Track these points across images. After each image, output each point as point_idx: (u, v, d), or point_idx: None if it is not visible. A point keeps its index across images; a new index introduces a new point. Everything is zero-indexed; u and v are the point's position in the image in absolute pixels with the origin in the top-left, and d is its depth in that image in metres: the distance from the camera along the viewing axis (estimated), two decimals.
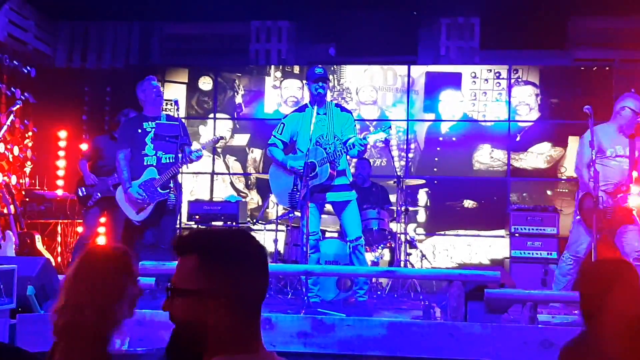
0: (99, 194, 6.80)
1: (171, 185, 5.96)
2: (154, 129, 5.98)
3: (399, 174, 7.08)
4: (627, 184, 5.62)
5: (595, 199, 5.37)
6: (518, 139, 8.75)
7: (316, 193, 5.67)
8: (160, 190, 5.90)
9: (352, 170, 6.75)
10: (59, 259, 8.24)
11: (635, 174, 5.67)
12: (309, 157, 5.53)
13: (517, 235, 7.55)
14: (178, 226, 7.80)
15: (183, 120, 6.77)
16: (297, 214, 6.34)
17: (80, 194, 6.90)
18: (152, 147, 5.96)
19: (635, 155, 5.64)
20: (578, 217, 5.82)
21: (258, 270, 1.57)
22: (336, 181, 5.74)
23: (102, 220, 7.13)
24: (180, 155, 5.89)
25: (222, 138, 7.01)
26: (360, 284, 5.91)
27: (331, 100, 6.38)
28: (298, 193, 5.60)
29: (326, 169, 5.60)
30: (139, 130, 5.97)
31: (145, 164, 5.93)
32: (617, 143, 5.73)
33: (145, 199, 5.87)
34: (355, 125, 5.93)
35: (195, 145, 6.11)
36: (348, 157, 5.92)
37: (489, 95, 8.86)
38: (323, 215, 6.28)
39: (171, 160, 5.95)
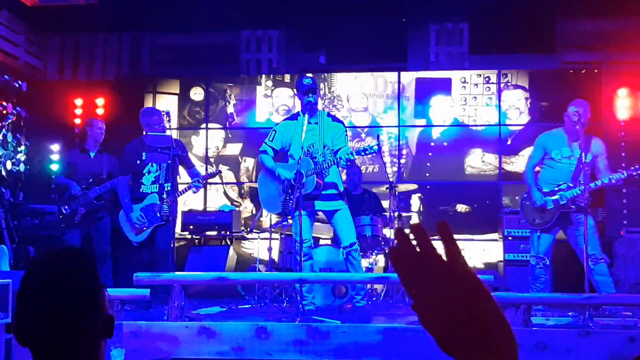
0: (83, 209, 6.77)
1: (164, 196, 6.07)
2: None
3: (391, 180, 7.10)
4: (572, 183, 5.90)
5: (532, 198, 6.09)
6: (509, 142, 8.79)
7: (305, 201, 5.71)
8: (158, 215, 6.14)
9: (344, 177, 6.77)
10: None
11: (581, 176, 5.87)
12: (301, 167, 5.57)
13: (510, 238, 7.59)
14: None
15: (175, 130, 6.84)
16: (291, 221, 6.39)
17: (64, 211, 6.81)
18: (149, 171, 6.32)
19: (583, 158, 5.83)
20: (523, 220, 6.23)
21: None
22: (324, 191, 5.79)
23: None
24: (170, 163, 6.08)
25: (220, 172, 7.24)
26: (356, 289, 5.93)
27: (323, 109, 6.43)
28: (291, 201, 5.64)
29: (312, 179, 5.66)
30: (138, 162, 6.32)
31: (141, 190, 6.30)
32: (563, 145, 5.99)
33: (144, 223, 6.20)
34: (346, 136, 5.96)
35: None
36: (339, 167, 5.97)
37: (479, 99, 8.91)
38: (316, 223, 6.31)
39: (167, 175, 6.12)
